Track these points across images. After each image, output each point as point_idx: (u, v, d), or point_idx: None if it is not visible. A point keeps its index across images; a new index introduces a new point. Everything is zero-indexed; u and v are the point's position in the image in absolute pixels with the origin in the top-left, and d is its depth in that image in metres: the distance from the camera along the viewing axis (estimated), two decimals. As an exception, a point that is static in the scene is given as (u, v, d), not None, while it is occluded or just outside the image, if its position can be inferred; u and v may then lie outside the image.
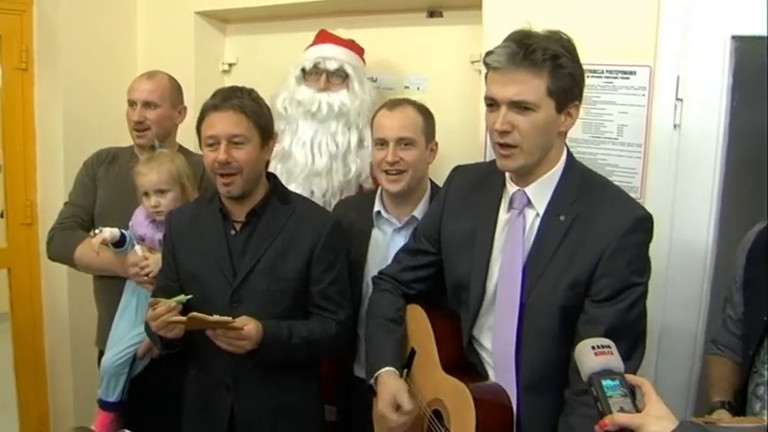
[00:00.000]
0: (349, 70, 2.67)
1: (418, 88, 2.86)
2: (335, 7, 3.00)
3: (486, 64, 1.74)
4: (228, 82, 3.40)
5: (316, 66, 2.66)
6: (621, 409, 1.32)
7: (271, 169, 2.45)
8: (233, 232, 2.18)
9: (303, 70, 2.69)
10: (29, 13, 3.21)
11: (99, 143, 2.74)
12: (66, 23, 3.17)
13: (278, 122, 2.71)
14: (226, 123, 2.07)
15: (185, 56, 3.32)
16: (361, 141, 2.67)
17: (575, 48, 1.72)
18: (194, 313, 1.93)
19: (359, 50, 2.76)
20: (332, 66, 2.65)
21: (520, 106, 1.68)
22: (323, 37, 2.75)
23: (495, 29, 2.42)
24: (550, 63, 1.66)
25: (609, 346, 1.41)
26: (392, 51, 2.91)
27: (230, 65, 3.44)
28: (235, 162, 2.07)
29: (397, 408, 1.86)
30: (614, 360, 1.40)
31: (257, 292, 2.13)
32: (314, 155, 2.63)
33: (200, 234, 2.21)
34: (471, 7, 2.55)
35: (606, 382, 1.36)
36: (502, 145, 1.73)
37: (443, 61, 2.80)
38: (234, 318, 1.97)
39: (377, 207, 2.40)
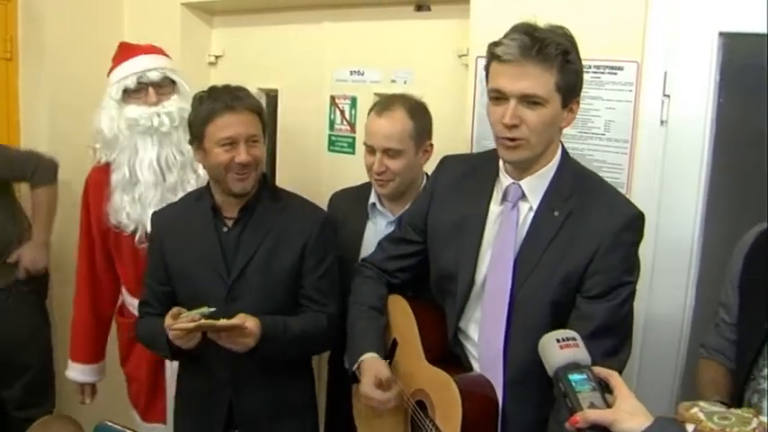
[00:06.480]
0: (173, 76, 2.58)
1: (405, 82, 2.83)
2: (322, 0, 2.98)
3: (494, 55, 1.69)
4: (215, 74, 3.38)
5: (139, 82, 2.53)
6: (592, 405, 1.28)
7: (116, 202, 2.47)
8: (225, 229, 2.17)
9: (125, 91, 2.53)
10: (13, 2, 3.18)
11: (84, 134, 2.69)
12: (52, 13, 3.14)
13: (108, 152, 2.57)
14: (244, 125, 2.08)
15: (172, 47, 3.22)
16: None
17: (577, 44, 1.72)
18: (202, 321, 1.94)
19: (163, 52, 2.66)
20: (155, 77, 2.53)
21: (530, 100, 1.67)
22: (128, 51, 2.62)
23: (482, 23, 2.42)
24: (561, 58, 1.66)
25: (574, 338, 1.38)
26: (379, 45, 2.90)
27: (217, 57, 3.42)
28: (253, 161, 2.09)
29: (379, 385, 1.85)
30: (580, 353, 1.36)
31: (252, 288, 2.13)
32: (164, 172, 2.51)
33: (189, 232, 2.20)
34: (459, 1, 2.53)
35: (573, 377, 1.32)
36: (508, 137, 1.72)
37: (430, 55, 2.77)
38: (231, 317, 1.97)
39: (372, 199, 2.39)
